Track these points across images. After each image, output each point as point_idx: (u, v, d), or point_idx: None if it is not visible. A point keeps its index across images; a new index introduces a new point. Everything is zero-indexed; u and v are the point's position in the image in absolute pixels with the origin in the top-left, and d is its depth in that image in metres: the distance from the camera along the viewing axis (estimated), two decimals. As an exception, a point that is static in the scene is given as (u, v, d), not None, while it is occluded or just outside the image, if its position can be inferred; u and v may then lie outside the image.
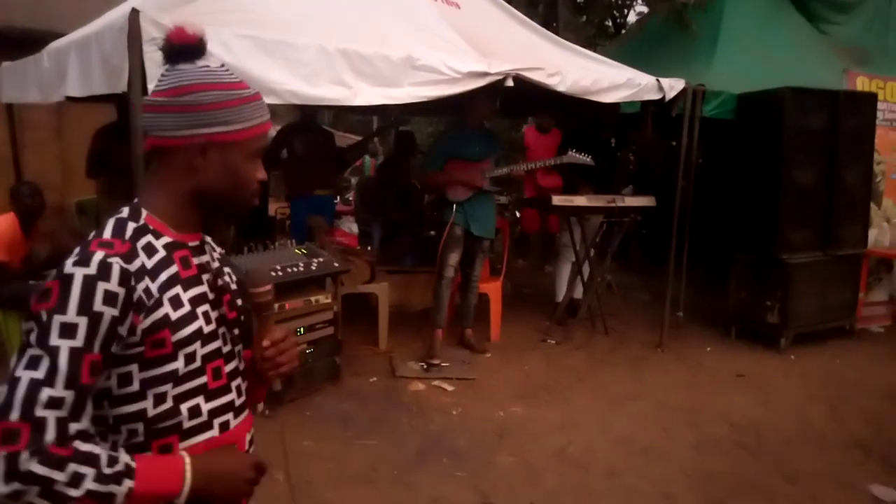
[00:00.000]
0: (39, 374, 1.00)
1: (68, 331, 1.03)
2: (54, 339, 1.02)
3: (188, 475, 1.12)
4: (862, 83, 6.30)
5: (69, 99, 3.91)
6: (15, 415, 0.98)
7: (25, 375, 1.00)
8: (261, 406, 3.97)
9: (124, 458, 1.06)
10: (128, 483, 1.04)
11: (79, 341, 1.03)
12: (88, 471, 1.00)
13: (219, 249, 1.40)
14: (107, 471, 1.02)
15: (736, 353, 5.36)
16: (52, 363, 1.01)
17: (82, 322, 1.04)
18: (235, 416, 1.29)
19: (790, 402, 4.47)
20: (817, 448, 3.84)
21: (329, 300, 4.26)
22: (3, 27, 7.44)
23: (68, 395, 1.01)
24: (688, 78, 5.23)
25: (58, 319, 1.03)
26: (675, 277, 5.44)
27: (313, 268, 4.19)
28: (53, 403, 1.00)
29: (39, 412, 0.99)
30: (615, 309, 6.27)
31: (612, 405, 4.33)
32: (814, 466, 3.62)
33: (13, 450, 0.97)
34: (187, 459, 1.14)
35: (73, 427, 1.03)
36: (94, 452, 1.03)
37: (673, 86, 5.03)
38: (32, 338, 1.03)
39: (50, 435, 0.99)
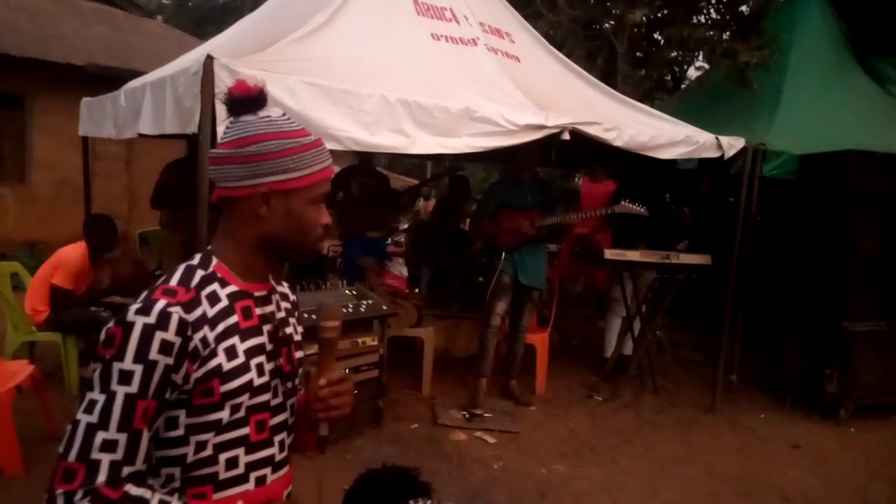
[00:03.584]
0: (94, 417, 1.05)
1: (125, 378, 1.07)
2: (113, 385, 1.07)
3: None
4: (931, 148, 6.10)
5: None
6: (73, 455, 1.04)
7: (84, 419, 1.06)
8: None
9: None
10: None
11: (134, 388, 1.07)
12: None
13: (293, 298, 1.40)
14: None
15: (792, 421, 5.13)
16: (108, 408, 1.06)
17: (138, 369, 1.07)
18: (274, 472, 1.29)
19: (849, 478, 4.24)
20: (879, 531, 3.63)
21: (375, 342, 4.28)
22: (85, 65, 7.91)
23: (121, 438, 1.05)
24: (748, 136, 5.16)
25: (117, 366, 1.07)
26: (730, 338, 5.28)
27: (362, 309, 4.22)
28: (107, 446, 1.04)
29: (94, 454, 1.04)
30: (666, 368, 6.11)
31: (659, 469, 4.18)
32: (875, 551, 3.41)
33: (70, 489, 1.02)
34: None
35: (126, 470, 1.06)
36: (145, 497, 1.06)
37: (732, 144, 4.97)
38: (95, 379, 1.08)
39: (102, 476, 1.03)
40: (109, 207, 7.70)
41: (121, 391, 1.06)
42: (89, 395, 1.07)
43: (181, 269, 1.22)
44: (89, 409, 1.06)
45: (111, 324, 1.12)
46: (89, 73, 7.84)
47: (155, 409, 1.10)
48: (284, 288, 1.39)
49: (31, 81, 8.22)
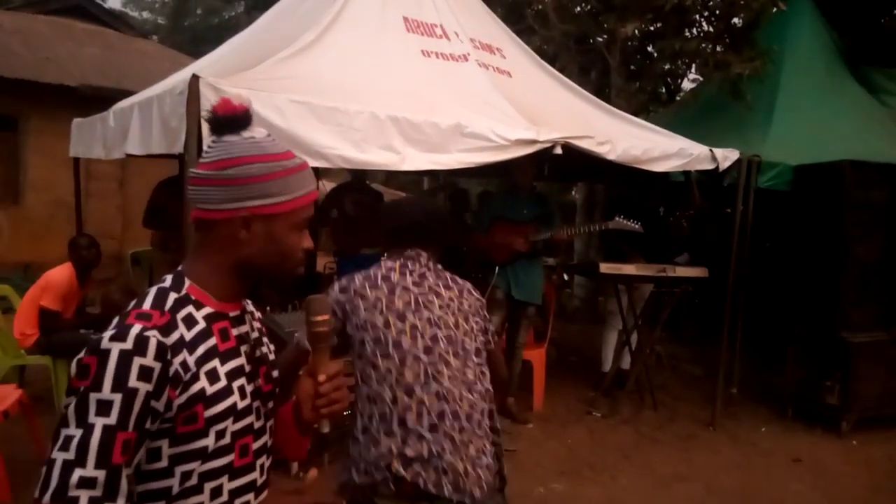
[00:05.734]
0: (71, 454, 1.00)
1: (103, 408, 1.02)
2: (90, 417, 1.02)
3: None
4: (926, 157, 6.08)
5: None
6: (48, 497, 0.98)
7: (59, 457, 1.00)
8: (295, 468, 3.91)
9: None
10: None
11: (113, 419, 1.02)
12: None
13: (258, 315, 1.38)
14: None
15: (793, 434, 5.07)
16: (85, 442, 1.00)
17: (117, 399, 1.02)
18: (256, 497, 1.26)
19: (852, 492, 4.18)
20: (884, 547, 3.56)
21: (369, 362, 4.21)
22: (78, 86, 7.91)
23: (100, 475, 1.00)
24: (743, 148, 5.14)
25: (94, 397, 1.02)
26: (729, 351, 5.23)
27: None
28: (85, 483, 0.99)
29: (72, 493, 0.99)
30: (664, 382, 6.06)
31: (659, 486, 4.12)
32: (880, 568, 3.35)
33: None
34: None
35: None
36: None
37: (727, 156, 4.95)
38: (70, 414, 1.03)
39: None
40: (103, 228, 7.68)
41: (99, 423, 1.01)
42: (64, 432, 1.02)
43: (153, 292, 1.18)
44: (65, 446, 1.00)
45: (83, 354, 1.07)
46: (83, 94, 7.84)
47: (136, 440, 1.04)
48: (251, 306, 1.36)
49: (24, 103, 8.23)
